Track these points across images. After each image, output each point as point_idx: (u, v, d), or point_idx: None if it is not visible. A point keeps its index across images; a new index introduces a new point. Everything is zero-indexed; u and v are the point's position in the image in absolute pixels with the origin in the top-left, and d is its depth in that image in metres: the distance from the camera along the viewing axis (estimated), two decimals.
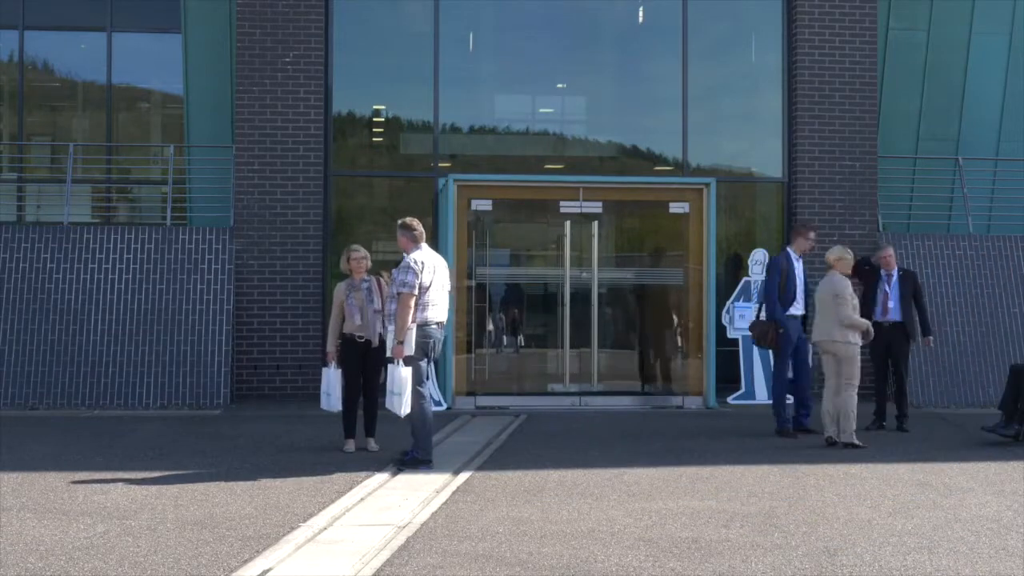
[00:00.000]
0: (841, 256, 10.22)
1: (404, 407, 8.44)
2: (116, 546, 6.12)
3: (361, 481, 8.12)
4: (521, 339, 14.46)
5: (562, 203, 13.39)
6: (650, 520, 6.84)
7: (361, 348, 9.45)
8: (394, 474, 8.44)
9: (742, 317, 13.49)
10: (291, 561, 5.89)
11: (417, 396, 8.58)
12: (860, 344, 10.11)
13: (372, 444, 9.53)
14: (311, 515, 6.95)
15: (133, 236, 13.45)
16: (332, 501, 7.39)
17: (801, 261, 10.98)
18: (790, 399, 10.93)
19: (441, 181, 13.54)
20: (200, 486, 7.87)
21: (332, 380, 9.43)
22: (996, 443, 10.19)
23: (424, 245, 8.84)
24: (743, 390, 13.47)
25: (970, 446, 10.14)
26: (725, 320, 13.57)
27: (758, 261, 13.66)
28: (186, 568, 5.68)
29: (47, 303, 13.05)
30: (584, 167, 15.02)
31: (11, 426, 11.07)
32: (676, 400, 13.08)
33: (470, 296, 13.20)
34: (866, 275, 11.45)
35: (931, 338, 11.71)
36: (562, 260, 13.50)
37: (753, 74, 15.43)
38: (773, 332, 10.71)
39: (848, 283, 10.12)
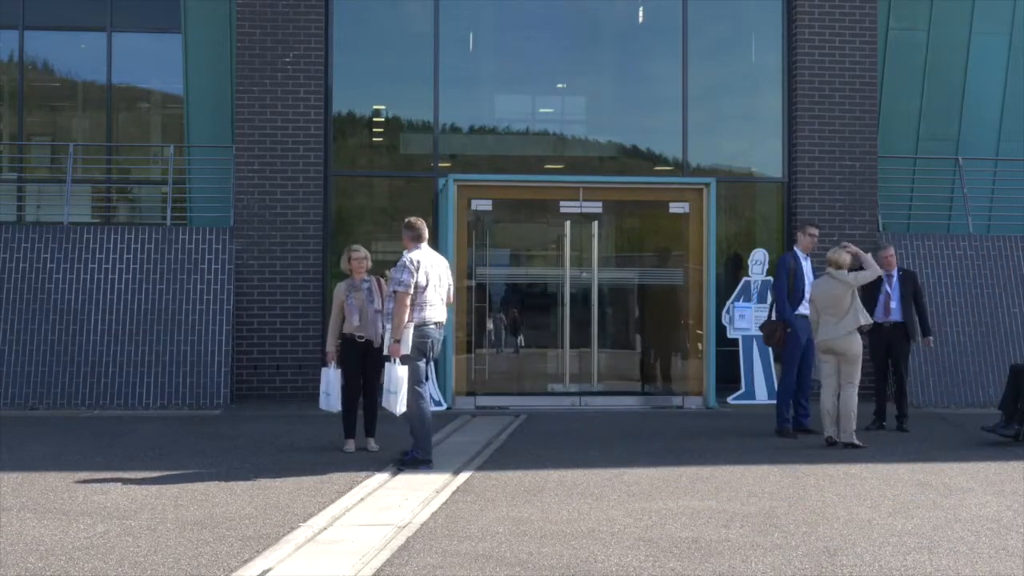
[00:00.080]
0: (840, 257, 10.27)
1: (400, 405, 8.47)
2: (116, 546, 6.12)
3: (361, 481, 8.13)
4: (521, 339, 14.46)
5: (562, 203, 13.39)
6: (650, 520, 6.84)
7: (361, 348, 9.45)
8: (394, 474, 8.44)
9: (742, 317, 13.50)
10: (291, 561, 5.89)
11: (416, 396, 8.59)
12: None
13: (372, 444, 9.54)
14: (311, 515, 6.96)
15: (133, 236, 13.45)
16: (332, 501, 7.39)
17: (809, 260, 10.98)
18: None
19: (441, 181, 13.54)
20: (200, 486, 7.87)
21: (332, 380, 9.43)
22: (996, 443, 10.19)
23: (424, 245, 8.84)
24: (743, 390, 13.46)
25: (970, 446, 10.14)
26: (725, 320, 13.56)
27: (758, 261, 13.67)
28: (186, 568, 5.68)
29: (47, 303, 13.05)
30: (584, 167, 15.02)
31: (11, 426, 11.08)
32: (676, 400, 13.08)
33: (470, 296, 13.20)
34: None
35: (931, 338, 11.71)
36: (562, 260, 13.50)
37: (753, 74, 15.42)
38: (781, 331, 10.72)
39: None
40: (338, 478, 8.22)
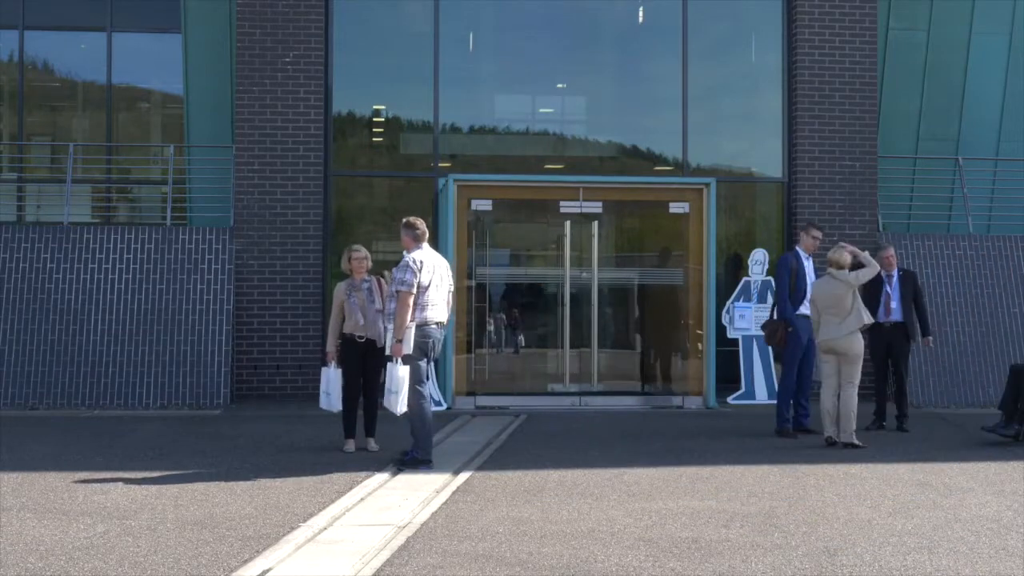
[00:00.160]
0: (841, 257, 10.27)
1: (400, 405, 8.49)
2: (116, 546, 6.12)
3: (361, 481, 8.13)
4: (521, 339, 14.46)
5: (562, 203, 13.39)
6: (650, 520, 6.84)
7: (361, 348, 9.46)
8: (394, 474, 8.44)
9: (742, 317, 13.50)
10: (291, 561, 5.89)
11: (417, 396, 8.60)
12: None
13: (372, 444, 9.54)
14: (311, 515, 6.96)
15: (133, 236, 13.45)
16: (332, 501, 7.39)
17: (811, 260, 10.98)
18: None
19: (441, 181, 13.54)
20: (200, 486, 7.87)
21: (332, 380, 9.43)
22: (996, 443, 10.19)
23: (425, 245, 8.86)
24: (743, 390, 13.46)
25: (970, 446, 10.14)
26: (725, 320, 13.56)
27: (758, 261, 13.67)
28: (186, 568, 5.68)
29: (47, 303, 13.05)
30: (584, 167, 15.02)
31: (11, 426, 11.07)
32: (676, 400, 13.08)
33: (470, 296, 13.20)
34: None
35: (931, 338, 11.72)
36: (562, 260, 13.50)
37: (753, 74, 15.43)
38: (782, 331, 10.72)
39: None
40: (338, 478, 8.22)
